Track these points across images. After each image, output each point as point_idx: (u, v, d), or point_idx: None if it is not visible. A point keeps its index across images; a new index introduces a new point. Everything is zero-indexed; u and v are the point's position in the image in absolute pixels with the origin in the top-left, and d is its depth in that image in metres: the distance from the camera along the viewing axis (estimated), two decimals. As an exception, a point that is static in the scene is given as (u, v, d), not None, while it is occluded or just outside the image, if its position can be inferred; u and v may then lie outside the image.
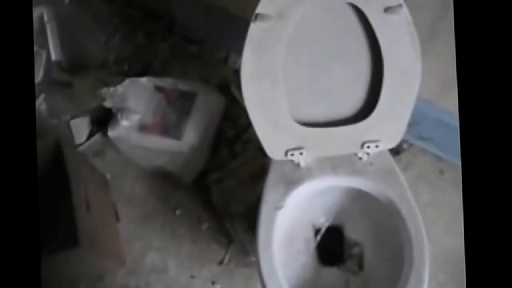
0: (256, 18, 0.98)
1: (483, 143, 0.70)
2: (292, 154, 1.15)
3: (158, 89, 1.61)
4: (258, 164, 1.55)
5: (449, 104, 1.45)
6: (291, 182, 1.16)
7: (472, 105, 0.71)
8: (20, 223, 0.67)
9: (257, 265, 1.06)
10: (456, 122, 1.44)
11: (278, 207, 1.12)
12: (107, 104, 1.55)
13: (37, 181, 0.69)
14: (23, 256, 0.67)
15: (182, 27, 1.89)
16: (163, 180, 1.65)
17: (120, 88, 1.54)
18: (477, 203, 0.69)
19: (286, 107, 1.08)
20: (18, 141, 0.69)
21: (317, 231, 1.29)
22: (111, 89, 1.54)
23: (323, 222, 1.30)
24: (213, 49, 1.85)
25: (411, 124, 1.54)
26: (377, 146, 1.16)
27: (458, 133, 1.46)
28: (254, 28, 0.99)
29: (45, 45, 1.67)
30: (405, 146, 1.69)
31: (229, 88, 1.74)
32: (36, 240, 0.68)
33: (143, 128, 1.57)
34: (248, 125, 1.12)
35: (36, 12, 1.64)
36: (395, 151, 1.67)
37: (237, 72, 1.04)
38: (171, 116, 1.57)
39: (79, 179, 1.26)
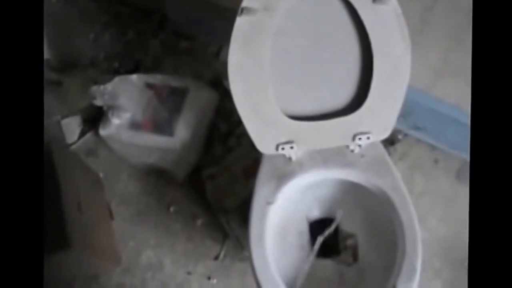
0: (242, 12, 0.97)
1: (493, 138, 0.68)
2: (283, 148, 1.15)
3: (149, 86, 1.60)
4: (252, 159, 1.54)
5: (441, 93, 1.45)
6: (283, 176, 1.16)
7: (485, 100, 0.69)
8: (24, 222, 0.67)
9: (249, 260, 1.06)
10: (449, 111, 1.46)
11: (269, 202, 1.12)
12: (97, 102, 1.54)
13: (43, 182, 0.69)
14: (26, 256, 0.66)
15: (173, 22, 1.88)
16: (157, 177, 1.65)
17: (110, 86, 1.53)
18: (483, 196, 0.68)
19: (275, 101, 1.08)
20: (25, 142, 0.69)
21: (311, 225, 1.29)
22: (101, 87, 1.52)
23: (317, 215, 1.30)
24: (205, 44, 1.85)
25: (405, 114, 1.54)
26: (368, 138, 1.15)
27: (452, 122, 1.47)
28: (240, 22, 0.98)
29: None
30: (399, 136, 1.69)
31: (222, 83, 1.73)
32: (40, 241, 0.68)
33: (134, 125, 1.56)
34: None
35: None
36: (390, 141, 1.67)
37: (229, 66, 1.03)
38: (162, 113, 1.56)
39: (70, 179, 1.25)
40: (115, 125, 1.56)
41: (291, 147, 1.15)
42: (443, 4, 1.25)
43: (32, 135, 0.69)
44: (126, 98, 1.54)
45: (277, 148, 1.15)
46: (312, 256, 1.18)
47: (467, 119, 1.44)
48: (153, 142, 1.55)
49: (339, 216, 1.23)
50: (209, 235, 1.57)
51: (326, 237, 1.23)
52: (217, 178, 1.58)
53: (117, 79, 1.57)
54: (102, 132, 1.58)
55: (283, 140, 1.14)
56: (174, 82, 1.63)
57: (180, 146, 1.53)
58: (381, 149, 1.19)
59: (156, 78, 1.63)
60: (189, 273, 1.53)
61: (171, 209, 1.61)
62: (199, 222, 1.59)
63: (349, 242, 1.26)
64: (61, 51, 1.73)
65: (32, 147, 0.69)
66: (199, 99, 1.60)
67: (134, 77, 1.61)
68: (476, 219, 0.68)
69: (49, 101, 1.64)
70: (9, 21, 0.69)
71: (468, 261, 0.69)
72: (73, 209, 1.19)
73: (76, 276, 1.47)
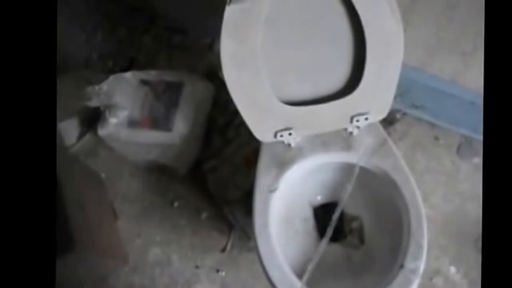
0: (231, 0, 0.96)
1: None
2: (281, 135, 1.15)
3: (144, 82, 1.59)
4: (252, 148, 1.54)
5: (436, 70, 1.44)
6: (283, 163, 1.15)
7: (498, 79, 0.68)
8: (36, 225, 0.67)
9: (255, 248, 1.06)
10: (446, 87, 1.45)
11: (272, 190, 1.12)
12: (94, 103, 1.53)
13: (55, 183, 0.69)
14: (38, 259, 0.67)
15: (164, 17, 1.87)
16: (158, 173, 1.65)
17: (105, 86, 1.52)
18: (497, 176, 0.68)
19: (270, 89, 1.07)
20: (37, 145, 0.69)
21: (315, 210, 1.29)
22: (96, 87, 1.52)
23: (321, 200, 1.30)
24: (197, 37, 1.84)
25: (402, 93, 1.54)
26: (366, 119, 1.15)
27: (449, 97, 1.46)
28: (230, 11, 0.96)
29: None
30: (398, 116, 1.68)
31: (217, 75, 1.72)
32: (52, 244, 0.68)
33: (132, 123, 1.55)
34: (239, 109, 1.11)
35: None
36: (389, 122, 1.67)
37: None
38: (159, 109, 1.55)
39: (72, 182, 1.25)
40: (113, 124, 1.55)
41: (290, 134, 1.14)
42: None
43: (43, 139, 0.69)
44: (122, 96, 1.54)
45: (275, 136, 1.15)
46: (321, 249, 1.17)
47: (464, 94, 1.45)
48: (152, 138, 1.55)
49: (347, 192, 1.22)
50: (214, 228, 1.58)
51: (330, 222, 1.23)
52: (218, 170, 1.58)
53: (111, 78, 1.56)
54: (101, 132, 1.58)
55: (281, 127, 1.14)
56: (169, 77, 1.62)
57: (180, 140, 1.53)
58: (380, 129, 1.19)
59: (150, 74, 1.62)
60: (197, 267, 1.53)
61: (175, 204, 1.61)
62: (203, 215, 1.59)
63: (354, 224, 1.26)
64: (53, 54, 1.72)
65: (43, 150, 0.69)
66: (195, 92, 1.59)
67: (128, 74, 1.60)
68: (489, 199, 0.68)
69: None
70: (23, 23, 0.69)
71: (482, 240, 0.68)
72: (76, 211, 1.19)
73: (84, 278, 1.47)
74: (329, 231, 1.18)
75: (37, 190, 0.67)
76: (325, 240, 1.17)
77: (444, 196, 1.56)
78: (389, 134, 1.24)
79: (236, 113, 1.12)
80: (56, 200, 0.69)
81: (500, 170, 0.67)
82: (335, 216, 1.18)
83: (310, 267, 1.12)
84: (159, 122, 1.55)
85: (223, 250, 1.55)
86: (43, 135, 0.69)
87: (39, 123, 0.69)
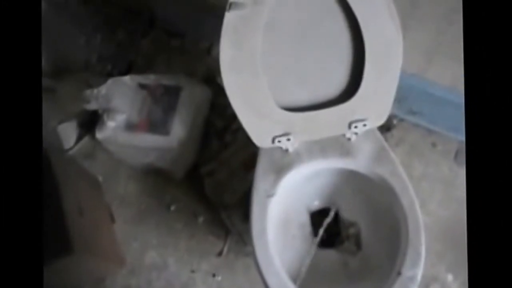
0: (230, 7, 0.96)
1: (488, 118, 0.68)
2: (279, 141, 1.15)
3: (142, 86, 1.60)
4: (250, 152, 1.54)
5: (435, 75, 1.44)
6: (281, 168, 1.15)
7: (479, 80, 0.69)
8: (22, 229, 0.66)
9: (252, 254, 1.06)
10: (444, 93, 1.45)
11: (269, 195, 1.12)
12: (92, 106, 1.54)
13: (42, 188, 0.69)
14: (26, 265, 0.66)
15: (163, 21, 1.87)
16: (156, 177, 1.65)
17: (103, 89, 1.53)
18: (480, 177, 0.67)
19: (269, 94, 1.07)
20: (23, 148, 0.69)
21: (312, 215, 1.29)
22: (95, 90, 1.52)
23: (318, 205, 1.30)
24: (196, 41, 1.84)
25: (400, 99, 1.54)
26: (364, 125, 1.15)
27: (447, 104, 1.46)
28: (230, 18, 0.97)
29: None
30: (395, 121, 1.68)
31: (214, 79, 1.72)
32: (39, 248, 0.67)
33: (130, 127, 1.55)
34: (237, 114, 1.11)
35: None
36: (386, 128, 1.66)
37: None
38: (157, 113, 1.55)
39: (70, 184, 1.25)
40: (111, 128, 1.55)
41: (288, 139, 1.15)
42: (432, -14, 1.24)
43: (30, 142, 0.69)
44: (120, 100, 1.54)
45: (273, 141, 1.15)
46: (313, 250, 1.18)
47: (461, 100, 1.45)
48: (150, 142, 1.55)
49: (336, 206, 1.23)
50: (211, 232, 1.57)
51: (327, 227, 1.23)
52: (216, 174, 1.58)
53: (110, 81, 1.56)
54: (99, 135, 1.58)
55: (279, 132, 1.14)
56: (167, 81, 1.62)
57: (177, 144, 1.53)
58: (378, 135, 1.19)
59: (149, 78, 1.62)
60: (193, 271, 1.53)
61: (172, 208, 1.61)
62: (200, 219, 1.59)
63: (351, 230, 1.26)
64: (53, 57, 1.71)
65: (31, 154, 0.69)
66: (193, 96, 1.59)
67: (127, 78, 1.60)
68: (473, 201, 0.68)
69: (44, 108, 1.63)
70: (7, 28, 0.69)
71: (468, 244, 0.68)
72: (74, 214, 1.19)
73: (81, 281, 1.47)
74: (321, 232, 1.19)
75: (23, 192, 0.67)
76: (317, 239, 1.18)
77: (441, 202, 1.56)
78: (386, 140, 1.24)
79: (234, 117, 1.12)
80: (42, 204, 0.68)
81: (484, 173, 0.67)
82: (327, 220, 1.20)
83: (303, 269, 1.12)
84: (157, 125, 1.55)
85: (220, 254, 1.54)
86: (29, 138, 0.69)
87: (25, 126, 0.69)
